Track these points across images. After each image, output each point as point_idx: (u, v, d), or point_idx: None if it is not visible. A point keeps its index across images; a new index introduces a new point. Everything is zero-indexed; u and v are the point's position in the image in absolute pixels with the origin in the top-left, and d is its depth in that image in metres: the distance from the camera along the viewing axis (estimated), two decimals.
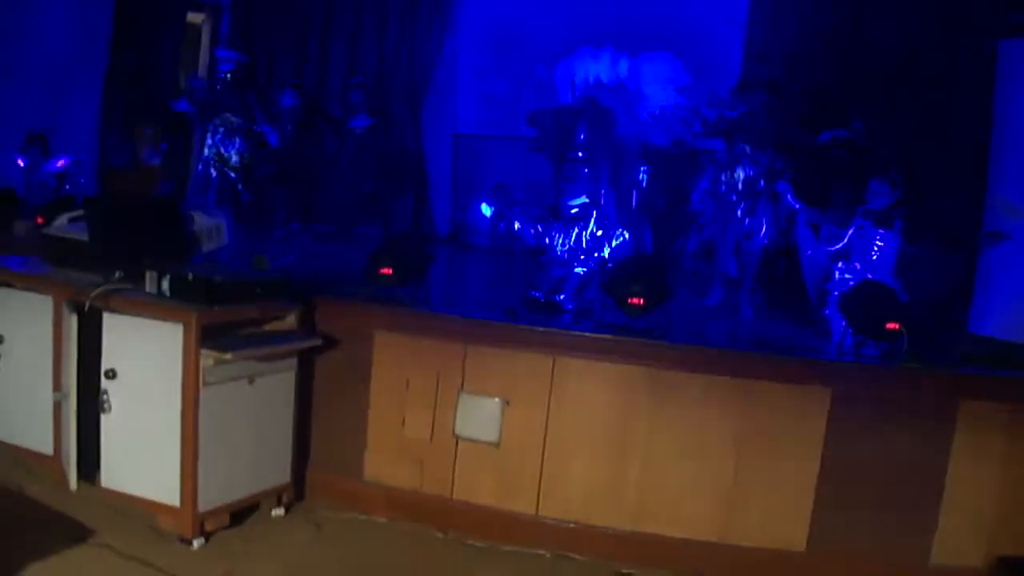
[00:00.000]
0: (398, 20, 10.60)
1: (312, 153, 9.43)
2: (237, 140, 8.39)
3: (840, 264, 5.76)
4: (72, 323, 4.70)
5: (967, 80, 6.71)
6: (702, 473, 4.91)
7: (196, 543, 4.51)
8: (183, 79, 9.28)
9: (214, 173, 8.38)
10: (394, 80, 10.33)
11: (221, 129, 8.36)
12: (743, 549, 4.91)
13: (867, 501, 4.83)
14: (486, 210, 6.11)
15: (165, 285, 4.57)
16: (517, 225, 6.25)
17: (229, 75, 8.44)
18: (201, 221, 5.58)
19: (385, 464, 5.24)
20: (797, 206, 6.24)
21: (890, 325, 4.87)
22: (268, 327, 4.87)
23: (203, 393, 4.41)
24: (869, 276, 5.49)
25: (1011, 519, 4.81)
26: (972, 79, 6.57)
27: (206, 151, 8.40)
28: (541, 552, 4.95)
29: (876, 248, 5.66)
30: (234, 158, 8.37)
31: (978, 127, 6.39)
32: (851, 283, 5.46)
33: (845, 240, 5.76)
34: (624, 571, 4.80)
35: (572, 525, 5.00)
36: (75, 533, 4.41)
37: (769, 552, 4.90)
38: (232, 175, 8.41)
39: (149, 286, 4.62)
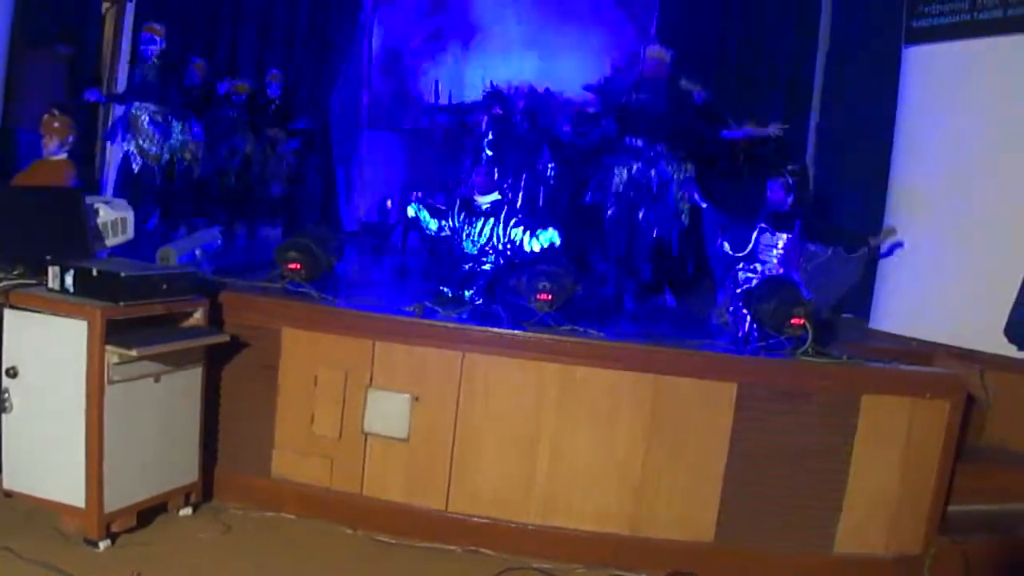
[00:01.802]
0: (307, 10, 10.74)
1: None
2: (158, 131, 8.51)
3: (742, 265, 6.05)
4: None
5: (874, 85, 6.99)
6: (611, 467, 5.14)
7: (102, 545, 4.59)
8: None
9: (135, 167, 8.52)
10: (302, 71, 10.45)
11: (146, 120, 8.50)
12: (653, 541, 5.16)
13: (773, 492, 5.12)
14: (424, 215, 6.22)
15: (69, 280, 4.62)
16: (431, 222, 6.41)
17: (155, 60, 8.51)
18: (106, 214, 5.73)
19: (294, 461, 5.37)
20: (704, 204, 6.50)
21: (794, 320, 5.16)
22: (175, 323, 4.97)
23: (108, 391, 4.50)
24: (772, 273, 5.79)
25: (911, 509, 5.15)
26: (879, 85, 6.85)
27: (126, 145, 8.53)
28: (451, 547, 5.14)
29: (777, 251, 5.96)
30: (154, 150, 8.50)
31: (882, 133, 6.70)
32: (754, 281, 5.74)
33: (750, 245, 6.05)
34: None
35: (482, 520, 5.20)
36: None
37: (679, 543, 5.16)
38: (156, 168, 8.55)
39: (52, 281, 4.66)
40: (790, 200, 5.96)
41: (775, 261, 5.90)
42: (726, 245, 6.24)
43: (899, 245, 6.44)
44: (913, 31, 6.35)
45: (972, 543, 5.22)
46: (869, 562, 5.18)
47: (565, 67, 9.91)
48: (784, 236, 5.94)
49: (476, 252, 6.15)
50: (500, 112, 8.31)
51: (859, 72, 7.22)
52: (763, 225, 6.00)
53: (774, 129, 7.11)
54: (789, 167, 6.08)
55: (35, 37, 8.56)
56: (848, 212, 7.07)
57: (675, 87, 7.15)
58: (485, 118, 7.19)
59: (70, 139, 6.34)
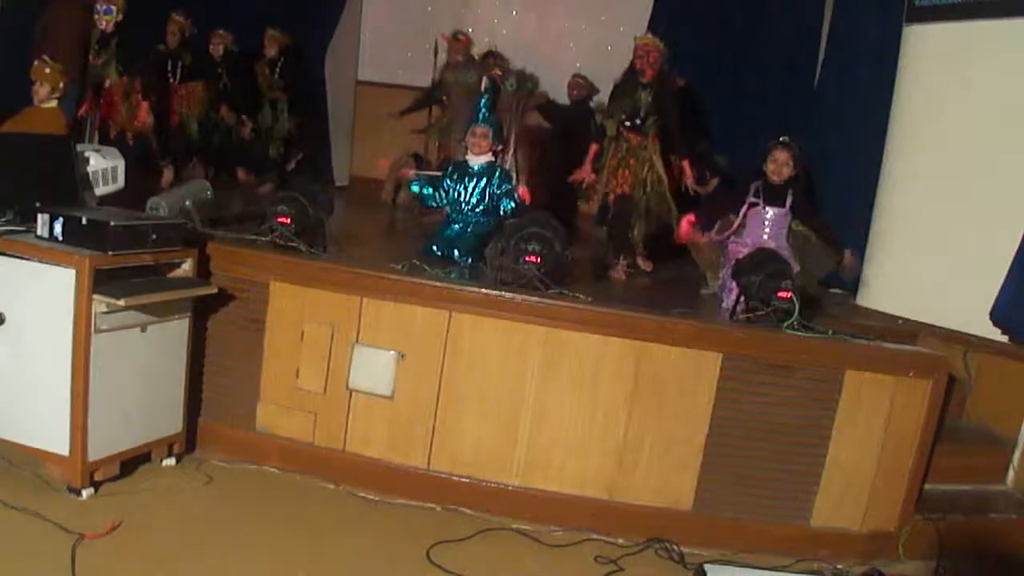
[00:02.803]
0: None
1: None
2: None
3: (732, 238, 6.08)
4: None
5: (873, 62, 6.96)
6: (593, 431, 5.20)
7: (85, 493, 4.65)
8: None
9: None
10: (303, 19, 10.36)
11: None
12: (631, 507, 5.23)
13: (753, 463, 5.19)
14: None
15: (58, 228, 4.65)
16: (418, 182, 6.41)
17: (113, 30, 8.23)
18: (97, 162, 5.73)
19: (278, 415, 5.43)
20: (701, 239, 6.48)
21: (781, 294, 5.19)
22: (163, 274, 5.00)
23: (94, 340, 4.53)
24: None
25: (888, 486, 5.23)
26: (879, 63, 6.82)
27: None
28: (432, 506, 5.23)
29: (766, 225, 5.99)
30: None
31: (880, 111, 6.70)
32: (743, 253, 5.76)
33: (739, 219, 6.07)
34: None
35: (463, 480, 5.27)
36: None
37: (657, 510, 5.22)
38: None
39: (41, 229, 4.69)
40: (789, 172, 5.96)
41: (766, 236, 5.92)
42: (713, 235, 6.23)
43: (860, 280, 6.57)
44: (914, 10, 6.32)
45: (947, 522, 5.30)
46: (844, 536, 5.25)
47: (567, 24, 9.90)
48: (775, 209, 5.95)
49: (467, 212, 6.15)
50: (499, 73, 8.31)
51: (860, 50, 7.18)
52: (754, 200, 6.00)
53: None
54: (782, 138, 6.06)
55: None
56: (840, 190, 7.07)
57: (667, 83, 7.03)
58: (483, 79, 7.14)
59: (61, 86, 6.31)
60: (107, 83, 8.09)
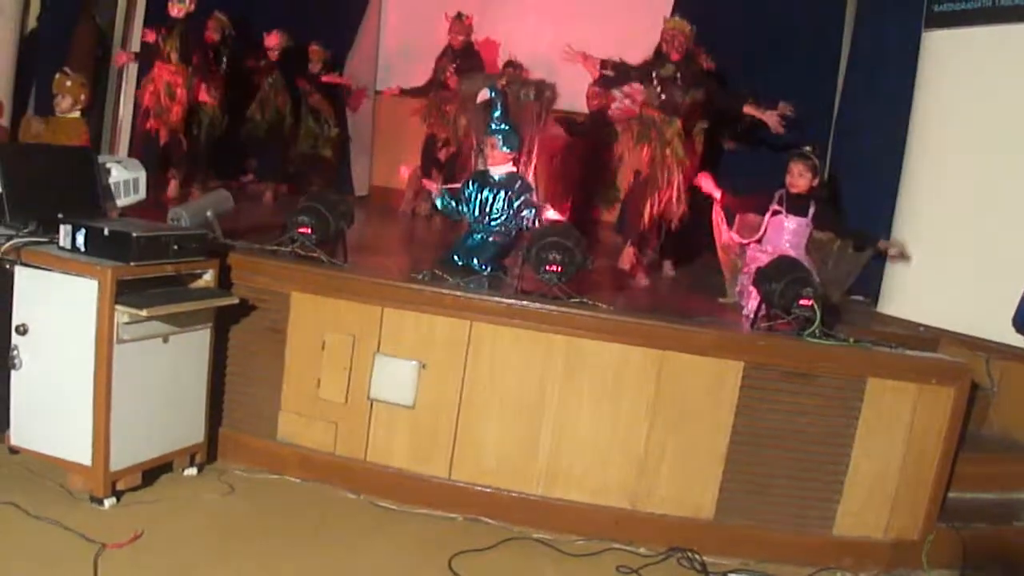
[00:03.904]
0: None
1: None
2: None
3: (752, 245, 6.05)
4: None
5: (893, 68, 6.94)
6: (614, 440, 5.18)
7: (107, 503, 4.65)
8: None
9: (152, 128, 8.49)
10: (322, 31, 10.41)
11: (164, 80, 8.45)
12: (653, 516, 5.21)
13: (775, 473, 5.16)
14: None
15: (80, 239, 4.66)
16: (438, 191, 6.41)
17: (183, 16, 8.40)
18: (119, 174, 5.75)
19: (299, 425, 5.42)
20: (717, 195, 6.45)
21: (803, 301, 5.17)
22: (185, 284, 5.01)
23: (117, 350, 4.54)
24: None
25: (911, 494, 5.18)
26: (898, 68, 6.81)
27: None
28: (453, 516, 5.20)
29: (787, 234, 5.96)
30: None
31: (899, 114, 6.67)
32: (764, 261, 5.73)
33: (762, 230, 6.04)
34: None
35: (484, 489, 5.25)
36: None
37: (678, 520, 5.20)
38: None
39: (63, 240, 4.70)
40: (811, 183, 5.93)
41: (786, 245, 5.88)
42: (735, 236, 6.22)
43: (906, 257, 6.45)
44: (933, 16, 6.32)
45: (971, 531, 5.26)
46: (867, 545, 5.21)
47: (584, 35, 9.85)
48: (797, 219, 5.92)
49: (488, 222, 6.13)
50: (507, 85, 8.30)
51: (880, 56, 7.17)
52: (777, 208, 5.97)
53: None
54: (807, 148, 6.04)
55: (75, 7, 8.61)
56: (860, 198, 7.05)
57: (695, 62, 7.03)
58: (501, 87, 7.12)
59: (83, 98, 6.36)
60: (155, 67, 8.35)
